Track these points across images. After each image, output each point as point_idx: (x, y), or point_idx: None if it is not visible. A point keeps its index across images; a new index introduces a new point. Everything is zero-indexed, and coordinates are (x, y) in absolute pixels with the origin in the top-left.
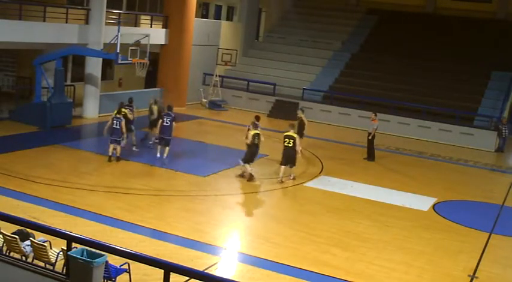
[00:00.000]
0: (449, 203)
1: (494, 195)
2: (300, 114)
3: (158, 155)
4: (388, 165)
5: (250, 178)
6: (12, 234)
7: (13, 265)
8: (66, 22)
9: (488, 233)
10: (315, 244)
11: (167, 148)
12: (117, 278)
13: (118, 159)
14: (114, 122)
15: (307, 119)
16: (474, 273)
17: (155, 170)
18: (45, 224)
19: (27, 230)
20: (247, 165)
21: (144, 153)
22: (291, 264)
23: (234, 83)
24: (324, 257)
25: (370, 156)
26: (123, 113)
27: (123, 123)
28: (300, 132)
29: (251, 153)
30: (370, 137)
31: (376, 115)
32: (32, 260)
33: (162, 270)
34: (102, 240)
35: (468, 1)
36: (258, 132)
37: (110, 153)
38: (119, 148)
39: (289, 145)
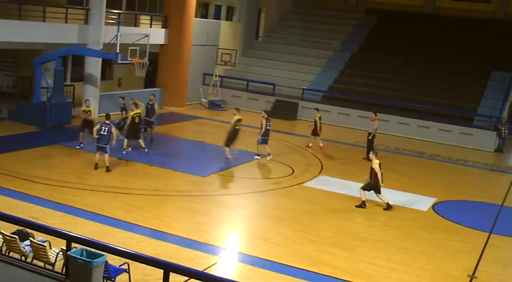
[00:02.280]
0: (448, 203)
1: (494, 195)
2: (315, 114)
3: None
4: (387, 165)
5: (388, 207)
6: (11, 234)
7: (13, 265)
8: (66, 22)
9: (488, 233)
10: (314, 244)
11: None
12: (117, 278)
13: (107, 169)
14: (102, 127)
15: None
16: (474, 273)
17: (155, 170)
18: (44, 224)
19: (27, 230)
20: (381, 196)
21: (143, 154)
22: (291, 264)
23: (233, 83)
24: (324, 256)
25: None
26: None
27: (113, 129)
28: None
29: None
30: (370, 137)
31: (376, 115)
32: (32, 260)
33: (162, 270)
34: (102, 240)
35: (467, 1)
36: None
37: (96, 161)
38: (106, 156)
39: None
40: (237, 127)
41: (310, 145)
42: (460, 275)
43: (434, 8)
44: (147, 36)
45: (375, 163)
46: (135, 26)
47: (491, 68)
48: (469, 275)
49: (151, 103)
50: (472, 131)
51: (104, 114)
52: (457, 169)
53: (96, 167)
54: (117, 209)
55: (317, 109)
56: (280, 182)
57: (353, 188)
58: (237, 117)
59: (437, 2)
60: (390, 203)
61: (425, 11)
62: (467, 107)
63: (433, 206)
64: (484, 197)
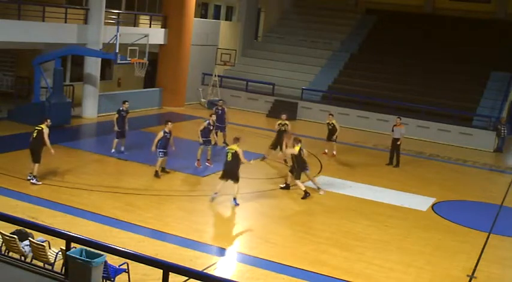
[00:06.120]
0: (448, 203)
1: (493, 195)
2: (331, 119)
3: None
4: (387, 166)
5: (305, 195)
6: (11, 234)
7: (12, 265)
8: (65, 22)
9: (487, 233)
10: (313, 244)
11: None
12: (116, 278)
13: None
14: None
15: (338, 124)
16: (473, 273)
17: (154, 169)
18: (44, 224)
19: (26, 230)
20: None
21: (141, 153)
22: (290, 264)
23: (232, 83)
24: (323, 256)
25: (397, 162)
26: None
27: (158, 134)
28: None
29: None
30: (399, 143)
31: (401, 119)
32: (31, 260)
33: (161, 270)
34: (101, 240)
35: (467, 1)
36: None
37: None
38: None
39: (229, 159)
40: (302, 156)
41: (326, 151)
42: (459, 275)
43: (434, 8)
44: (146, 36)
45: (295, 150)
46: (134, 26)
47: (490, 68)
48: (468, 275)
49: (220, 109)
50: (471, 131)
51: (104, 115)
52: (457, 169)
53: (158, 173)
54: (116, 209)
55: (332, 114)
56: (280, 182)
57: (352, 188)
58: (297, 148)
59: (436, 2)
60: (306, 190)
61: (424, 11)
62: (466, 107)
63: (433, 206)
64: (484, 197)
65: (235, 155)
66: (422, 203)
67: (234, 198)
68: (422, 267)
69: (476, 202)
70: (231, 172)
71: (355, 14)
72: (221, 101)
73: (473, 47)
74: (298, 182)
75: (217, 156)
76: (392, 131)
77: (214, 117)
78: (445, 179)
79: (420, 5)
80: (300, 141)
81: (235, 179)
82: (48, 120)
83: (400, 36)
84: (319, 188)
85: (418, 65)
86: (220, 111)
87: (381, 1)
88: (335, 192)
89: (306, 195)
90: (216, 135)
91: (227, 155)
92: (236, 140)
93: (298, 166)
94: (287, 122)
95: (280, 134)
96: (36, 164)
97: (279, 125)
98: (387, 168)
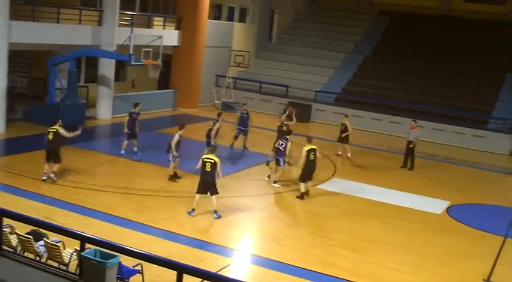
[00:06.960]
0: (463, 206)
1: (509, 198)
2: (344, 120)
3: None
4: (400, 168)
5: (301, 196)
6: (26, 234)
7: (27, 265)
8: (80, 23)
9: (503, 237)
10: (326, 246)
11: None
12: (130, 278)
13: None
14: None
15: (351, 125)
16: (489, 277)
17: (167, 171)
18: (58, 224)
19: (41, 230)
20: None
21: (154, 155)
22: (302, 266)
23: (246, 85)
24: (334, 259)
25: (412, 165)
26: None
27: (175, 137)
28: (345, 139)
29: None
30: (411, 146)
31: (416, 122)
32: (46, 260)
33: (175, 272)
34: (115, 240)
35: (481, 3)
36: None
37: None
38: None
39: (208, 170)
40: (311, 158)
41: (340, 153)
42: (474, 278)
43: (448, 10)
44: (160, 37)
45: (303, 149)
46: (148, 28)
47: (505, 70)
48: (484, 279)
49: (245, 113)
50: (486, 134)
51: (118, 116)
52: (472, 172)
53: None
54: (129, 209)
55: (346, 115)
56: (293, 185)
57: (366, 191)
58: (308, 147)
59: (451, 4)
60: (305, 192)
61: (439, 12)
62: (481, 110)
63: (447, 209)
64: (499, 200)
65: (214, 165)
66: (436, 206)
67: (215, 211)
68: (435, 270)
69: (491, 205)
70: (209, 184)
71: (368, 15)
72: (245, 105)
73: (488, 49)
74: (302, 184)
75: (236, 159)
76: (408, 134)
77: (222, 117)
78: (460, 182)
79: (435, 7)
80: (311, 141)
81: (215, 191)
82: (60, 121)
83: (414, 38)
84: (268, 177)
85: (432, 66)
86: (245, 115)
87: (395, 2)
88: (349, 194)
89: (302, 196)
90: (236, 138)
91: (205, 165)
92: (214, 148)
93: (305, 168)
94: (288, 122)
95: (281, 134)
96: (57, 165)
97: (280, 124)
98: (401, 171)
